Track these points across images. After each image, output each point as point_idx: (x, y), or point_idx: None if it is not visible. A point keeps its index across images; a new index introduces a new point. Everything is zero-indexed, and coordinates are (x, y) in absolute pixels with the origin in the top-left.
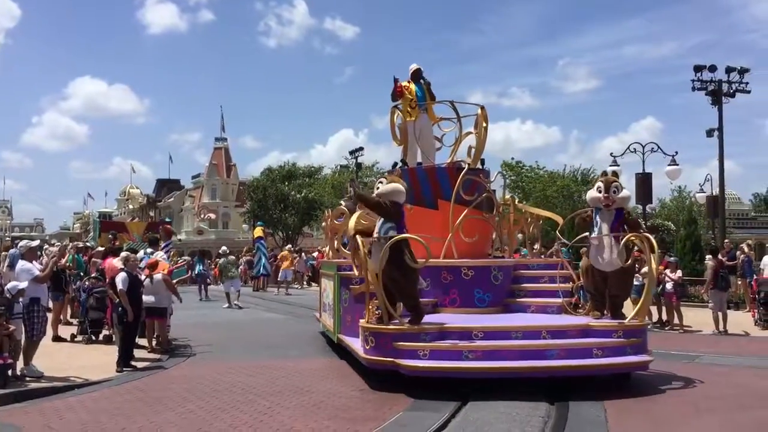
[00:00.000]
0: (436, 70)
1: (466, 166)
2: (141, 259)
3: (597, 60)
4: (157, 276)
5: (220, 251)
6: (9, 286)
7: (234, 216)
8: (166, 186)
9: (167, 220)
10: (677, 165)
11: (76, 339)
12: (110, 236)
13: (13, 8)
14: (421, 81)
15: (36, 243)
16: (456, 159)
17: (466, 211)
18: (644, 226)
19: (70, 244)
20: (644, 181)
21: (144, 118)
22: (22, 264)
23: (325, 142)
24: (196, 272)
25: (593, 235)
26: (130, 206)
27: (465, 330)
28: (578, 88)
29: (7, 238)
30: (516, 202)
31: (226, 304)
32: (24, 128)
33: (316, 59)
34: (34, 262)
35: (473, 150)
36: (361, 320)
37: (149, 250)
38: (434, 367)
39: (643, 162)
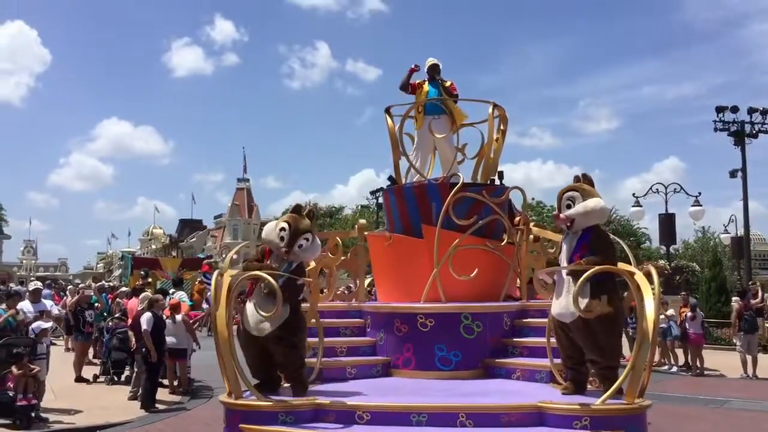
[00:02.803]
0: None
1: (460, 179)
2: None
3: (617, 100)
4: (178, 317)
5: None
6: (33, 326)
7: None
8: (189, 226)
9: (207, 255)
10: (701, 206)
11: (98, 379)
12: (142, 274)
13: (45, 54)
14: (438, 80)
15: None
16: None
17: (458, 239)
18: (667, 267)
19: (94, 284)
20: (667, 222)
21: (168, 158)
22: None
23: (347, 182)
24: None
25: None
26: (153, 246)
27: (348, 409)
28: (600, 128)
29: (32, 278)
30: (531, 225)
31: None
32: (51, 169)
33: (338, 100)
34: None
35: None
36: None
37: (172, 290)
38: None
39: (666, 202)
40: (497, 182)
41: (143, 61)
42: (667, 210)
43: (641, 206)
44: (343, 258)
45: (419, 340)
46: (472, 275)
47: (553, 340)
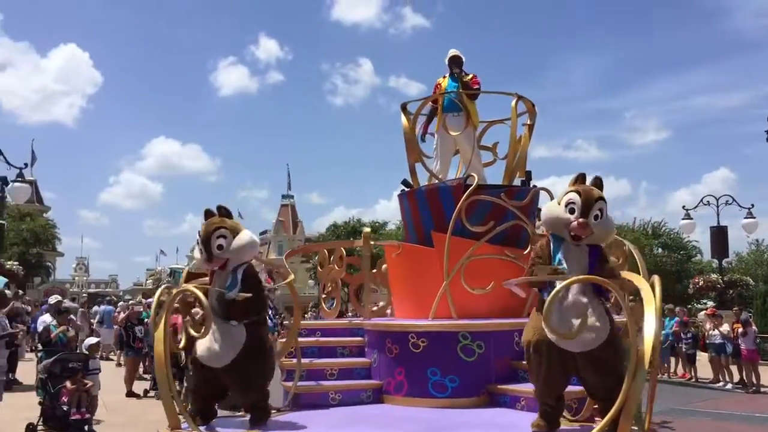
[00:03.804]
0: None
1: (475, 180)
2: None
3: (665, 111)
4: None
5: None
6: (85, 342)
7: (300, 272)
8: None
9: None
10: (754, 218)
11: (149, 394)
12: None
13: (96, 75)
14: (459, 73)
15: (57, 299)
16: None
17: (472, 248)
18: (719, 281)
19: (144, 300)
20: (719, 235)
21: (215, 176)
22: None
23: (390, 197)
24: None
25: (557, 286)
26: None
27: None
28: (647, 140)
29: (84, 295)
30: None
31: None
32: (102, 188)
33: (381, 116)
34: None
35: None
36: None
37: None
38: None
39: (718, 215)
40: (525, 184)
41: (190, 81)
42: (718, 222)
43: (692, 219)
44: (374, 270)
45: (411, 363)
46: (487, 288)
47: None
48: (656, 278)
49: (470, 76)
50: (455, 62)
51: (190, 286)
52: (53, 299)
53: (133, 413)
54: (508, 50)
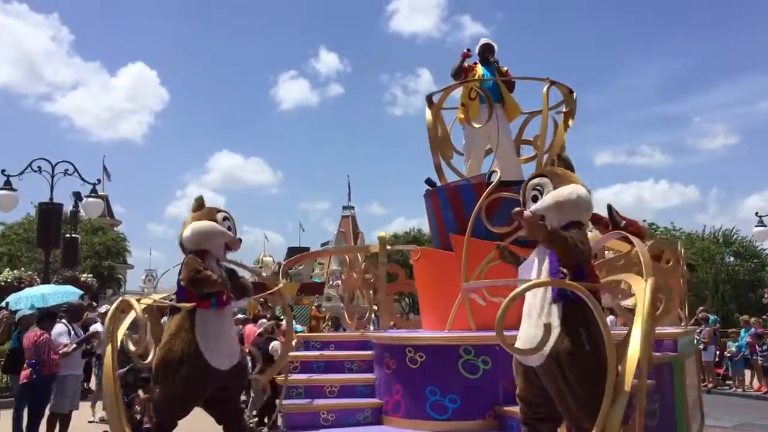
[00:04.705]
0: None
1: (497, 176)
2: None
3: (735, 115)
4: (275, 344)
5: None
6: None
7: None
8: (297, 253)
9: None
10: None
11: None
12: (262, 300)
13: (163, 92)
14: (493, 62)
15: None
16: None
17: (494, 251)
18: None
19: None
20: None
21: (277, 188)
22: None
23: None
24: None
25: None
26: (264, 274)
27: None
28: (716, 145)
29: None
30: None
31: None
32: (169, 201)
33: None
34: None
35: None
36: None
37: (281, 316)
38: None
39: None
40: None
41: (252, 95)
42: None
43: (766, 226)
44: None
45: (408, 380)
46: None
47: None
48: (651, 280)
49: (505, 69)
50: (487, 50)
51: (131, 300)
52: (104, 309)
53: (202, 422)
54: (571, 56)
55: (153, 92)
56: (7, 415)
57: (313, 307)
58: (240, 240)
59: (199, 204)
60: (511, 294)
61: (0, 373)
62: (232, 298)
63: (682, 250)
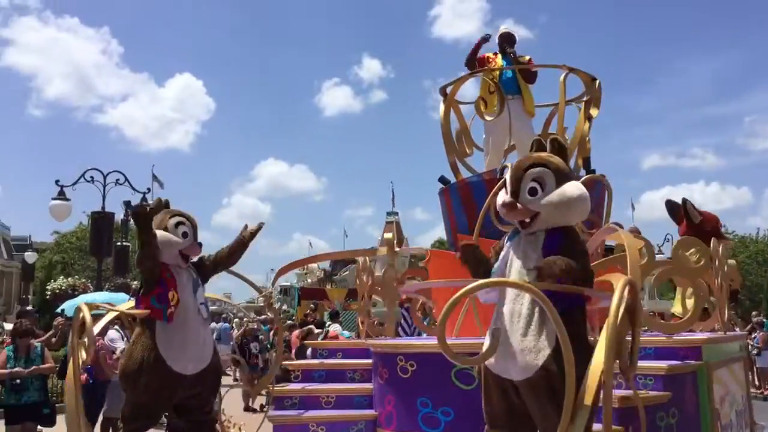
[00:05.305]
0: (609, 135)
1: (507, 170)
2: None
3: None
4: None
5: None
6: None
7: None
8: (342, 260)
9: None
10: None
11: (264, 408)
12: (312, 306)
13: (210, 102)
14: (511, 53)
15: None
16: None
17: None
18: None
19: (255, 317)
20: None
21: (321, 195)
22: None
23: None
24: None
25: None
26: (309, 280)
27: None
28: None
29: None
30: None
31: None
32: (216, 209)
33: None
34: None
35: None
36: None
37: (328, 322)
38: None
39: None
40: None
41: (296, 104)
42: None
43: None
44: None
45: (399, 391)
46: None
47: None
48: (625, 279)
49: (527, 58)
50: (506, 40)
51: (83, 305)
52: None
53: (251, 427)
54: (615, 57)
55: (199, 102)
56: (63, 419)
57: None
58: (200, 244)
59: (155, 209)
60: (456, 294)
61: (56, 379)
62: (174, 314)
63: (721, 248)
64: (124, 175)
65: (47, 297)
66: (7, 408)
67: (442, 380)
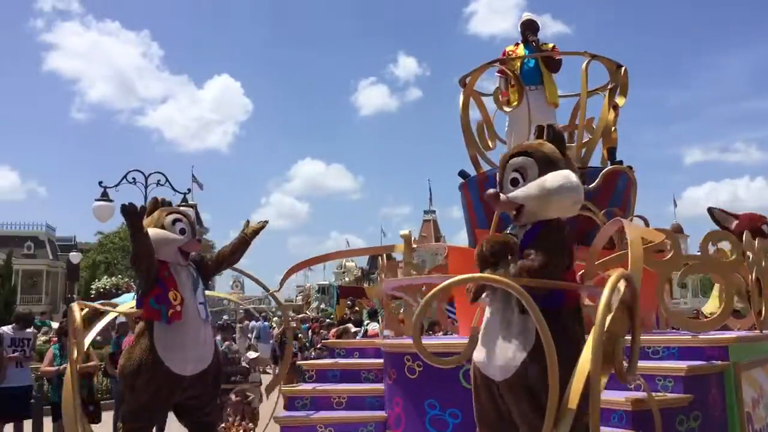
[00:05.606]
0: (645, 130)
1: None
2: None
3: None
4: None
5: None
6: (246, 356)
7: None
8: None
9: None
10: None
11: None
12: (348, 303)
13: (247, 103)
14: (533, 41)
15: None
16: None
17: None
18: None
19: (295, 315)
20: None
21: (358, 194)
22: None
23: None
24: None
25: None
26: (346, 279)
27: None
28: None
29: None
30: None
31: None
32: (254, 209)
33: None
34: None
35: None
36: None
37: (366, 321)
38: None
39: None
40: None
41: (333, 103)
42: None
43: None
44: None
45: (407, 392)
46: None
47: None
48: (618, 273)
49: (551, 46)
50: (529, 28)
51: (74, 305)
52: None
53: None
54: (653, 50)
55: (238, 103)
56: (108, 416)
57: (401, 310)
58: (199, 240)
59: (151, 207)
60: (432, 291)
61: (101, 376)
62: (181, 312)
63: (756, 243)
64: (165, 176)
65: (92, 296)
66: (54, 405)
67: (450, 381)
